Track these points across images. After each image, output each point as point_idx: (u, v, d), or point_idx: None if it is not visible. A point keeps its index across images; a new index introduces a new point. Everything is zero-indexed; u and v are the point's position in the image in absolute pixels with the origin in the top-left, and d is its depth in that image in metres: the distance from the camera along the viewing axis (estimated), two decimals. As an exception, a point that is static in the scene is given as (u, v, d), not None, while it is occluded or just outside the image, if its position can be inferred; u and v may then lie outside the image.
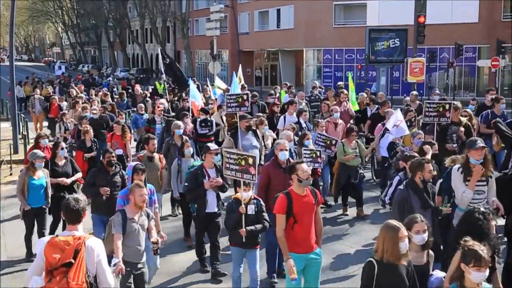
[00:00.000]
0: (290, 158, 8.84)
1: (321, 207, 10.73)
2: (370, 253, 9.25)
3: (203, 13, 55.82)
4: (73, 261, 4.98)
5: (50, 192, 9.76)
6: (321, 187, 11.66)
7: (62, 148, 10.40)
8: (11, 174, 16.20)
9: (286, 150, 8.54)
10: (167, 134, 13.02)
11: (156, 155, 10.42)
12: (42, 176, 9.60)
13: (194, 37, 61.04)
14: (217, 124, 14.85)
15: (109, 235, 6.86)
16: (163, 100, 18.44)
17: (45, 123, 23.10)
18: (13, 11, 20.38)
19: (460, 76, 39.65)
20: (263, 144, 11.92)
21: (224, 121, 15.42)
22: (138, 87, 25.49)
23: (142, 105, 18.12)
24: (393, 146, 11.62)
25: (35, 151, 10.00)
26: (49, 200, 9.71)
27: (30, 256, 9.48)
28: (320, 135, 11.72)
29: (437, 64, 37.61)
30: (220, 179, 8.83)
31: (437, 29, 34.93)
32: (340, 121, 13.76)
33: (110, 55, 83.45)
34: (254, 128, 11.81)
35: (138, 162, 8.19)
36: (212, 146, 9.32)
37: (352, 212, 11.94)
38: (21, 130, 20.89)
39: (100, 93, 22.91)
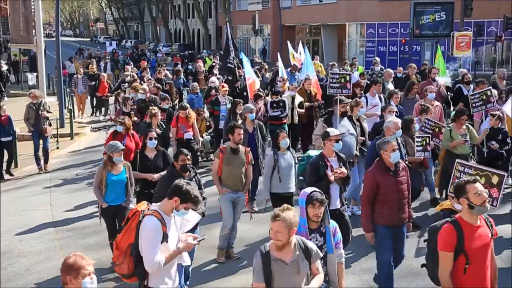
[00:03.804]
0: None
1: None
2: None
3: (245, -13, 55.59)
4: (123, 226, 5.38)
5: (132, 188, 8.45)
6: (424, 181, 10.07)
7: (151, 138, 8.90)
8: (57, 148, 16.67)
9: (397, 149, 6.80)
10: (233, 117, 11.71)
11: (241, 148, 8.67)
12: (122, 170, 8.29)
13: (236, 12, 60.85)
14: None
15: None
16: (214, 78, 17.14)
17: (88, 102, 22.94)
18: (58, -13, 20.74)
19: (508, 50, 38.46)
20: (362, 129, 10.62)
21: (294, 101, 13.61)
22: (201, 63, 23.56)
23: (196, 84, 17.00)
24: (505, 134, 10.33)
25: (112, 143, 8.39)
26: (130, 198, 8.37)
27: None
28: (428, 121, 10.34)
29: (484, 38, 36.50)
30: (344, 169, 7.56)
31: (485, 2, 33.78)
32: (436, 103, 11.91)
33: (153, 30, 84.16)
34: (350, 114, 10.45)
35: (314, 189, 5.53)
36: (332, 131, 7.87)
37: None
38: (67, 105, 21.34)
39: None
